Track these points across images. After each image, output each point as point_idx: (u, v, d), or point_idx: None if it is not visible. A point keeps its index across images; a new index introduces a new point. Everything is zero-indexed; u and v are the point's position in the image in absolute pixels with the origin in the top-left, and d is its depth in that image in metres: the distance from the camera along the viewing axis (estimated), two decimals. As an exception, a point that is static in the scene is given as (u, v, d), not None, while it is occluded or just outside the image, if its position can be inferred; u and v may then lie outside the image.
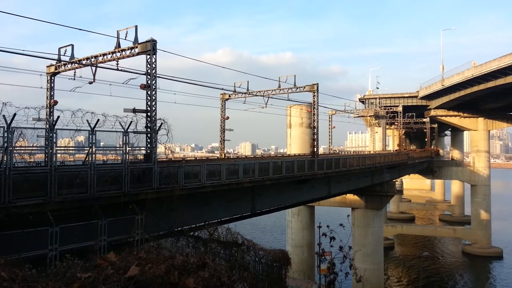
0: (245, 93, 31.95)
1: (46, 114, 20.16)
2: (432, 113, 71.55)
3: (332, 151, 55.24)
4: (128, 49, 17.94)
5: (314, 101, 30.35)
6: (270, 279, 16.36)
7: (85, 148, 14.44)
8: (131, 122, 17.16)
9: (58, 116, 15.78)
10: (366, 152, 71.62)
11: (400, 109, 68.33)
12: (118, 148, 15.81)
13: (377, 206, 45.42)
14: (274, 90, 32.03)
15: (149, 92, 17.41)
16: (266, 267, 17.35)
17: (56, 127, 14.02)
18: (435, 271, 55.13)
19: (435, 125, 78.38)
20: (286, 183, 25.87)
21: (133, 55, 17.85)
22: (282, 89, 31.64)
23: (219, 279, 9.17)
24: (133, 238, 14.56)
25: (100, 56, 18.89)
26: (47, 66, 21.50)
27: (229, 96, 33.07)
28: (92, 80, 19.28)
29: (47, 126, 14.90)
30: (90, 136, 14.57)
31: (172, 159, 22.82)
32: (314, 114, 30.57)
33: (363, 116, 69.83)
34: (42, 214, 12.41)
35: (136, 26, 17.66)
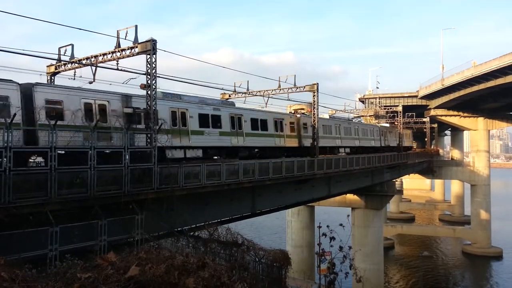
0: (245, 93, 31.91)
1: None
2: (432, 112, 71.46)
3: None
4: (128, 49, 17.90)
5: (314, 101, 30.32)
6: (270, 279, 16.37)
7: (86, 148, 14.41)
8: (131, 122, 17.19)
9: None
10: (366, 152, 71.44)
11: (400, 108, 68.19)
12: (118, 148, 15.78)
13: (377, 206, 45.41)
14: (274, 90, 31.95)
15: (149, 92, 17.41)
16: (266, 267, 17.35)
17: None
18: (435, 271, 55.08)
19: (435, 125, 78.21)
20: (286, 183, 25.86)
21: (133, 55, 17.82)
22: (282, 88, 31.57)
23: (219, 279, 9.19)
24: (133, 238, 14.54)
25: (100, 55, 18.85)
26: (47, 66, 21.50)
27: (229, 96, 33.00)
28: (92, 80, 19.26)
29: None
30: (90, 135, 14.56)
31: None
32: (314, 114, 30.56)
33: (363, 115, 69.71)
34: (42, 214, 12.40)
35: (136, 26, 17.62)
